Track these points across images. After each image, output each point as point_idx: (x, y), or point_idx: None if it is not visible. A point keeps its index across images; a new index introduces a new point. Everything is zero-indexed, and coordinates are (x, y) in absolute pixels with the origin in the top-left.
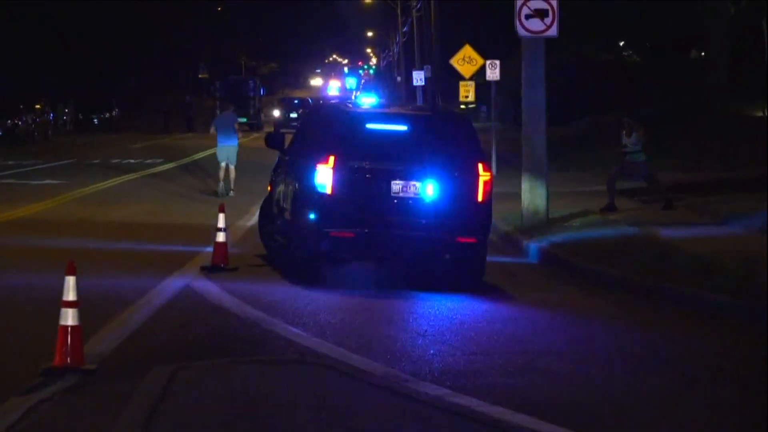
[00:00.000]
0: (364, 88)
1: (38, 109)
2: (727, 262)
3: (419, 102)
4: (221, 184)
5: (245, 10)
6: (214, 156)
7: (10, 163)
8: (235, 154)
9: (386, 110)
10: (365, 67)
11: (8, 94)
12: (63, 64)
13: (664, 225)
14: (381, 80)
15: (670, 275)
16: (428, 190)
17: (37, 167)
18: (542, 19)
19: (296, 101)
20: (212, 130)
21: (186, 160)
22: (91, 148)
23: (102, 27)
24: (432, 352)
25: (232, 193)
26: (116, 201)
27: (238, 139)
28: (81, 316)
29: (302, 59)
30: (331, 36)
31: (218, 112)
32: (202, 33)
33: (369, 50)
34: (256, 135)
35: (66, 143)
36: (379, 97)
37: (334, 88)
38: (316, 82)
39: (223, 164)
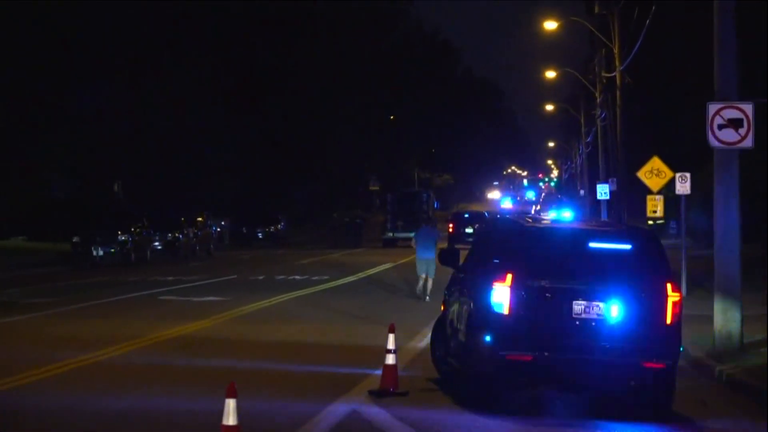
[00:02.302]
0: (545, 201)
1: (200, 221)
2: None
3: (603, 217)
4: (420, 283)
5: (419, 120)
6: (383, 272)
7: (170, 278)
8: (433, 267)
9: (567, 225)
10: (546, 179)
11: (169, 207)
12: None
13: None
14: (562, 193)
15: None
16: (612, 311)
17: (198, 283)
18: (736, 130)
19: (471, 215)
20: (413, 243)
21: (354, 278)
22: (254, 263)
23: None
24: None
25: (428, 299)
26: (279, 319)
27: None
28: None
29: (479, 171)
30: (510, 146)
31: (388, 225)
32: (374, 143)
33: (550, 162)
34: None
35: (228, 258)
36: (566, 209)
37: (509, 201)
38: (494, 195)
39: (422, 275)
